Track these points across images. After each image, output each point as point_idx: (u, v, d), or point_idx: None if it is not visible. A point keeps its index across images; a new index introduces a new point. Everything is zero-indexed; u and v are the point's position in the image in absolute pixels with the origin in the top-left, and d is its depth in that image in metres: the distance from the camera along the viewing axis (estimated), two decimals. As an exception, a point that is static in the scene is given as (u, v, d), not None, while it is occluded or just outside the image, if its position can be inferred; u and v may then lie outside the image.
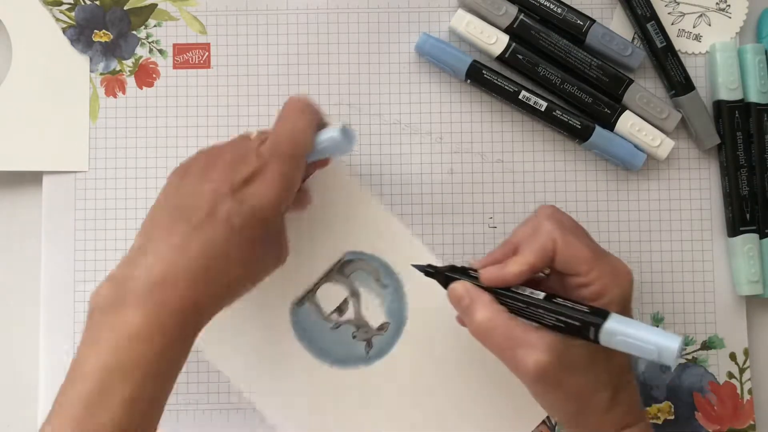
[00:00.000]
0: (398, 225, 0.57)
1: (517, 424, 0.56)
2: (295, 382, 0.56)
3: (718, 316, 0.57)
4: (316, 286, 0.57)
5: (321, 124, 0.50)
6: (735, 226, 0.57)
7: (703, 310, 0.58)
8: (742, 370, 0.57)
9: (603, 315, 0.45)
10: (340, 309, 0.57)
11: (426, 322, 0.56)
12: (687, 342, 0.57)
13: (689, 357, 0.57)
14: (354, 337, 0.57)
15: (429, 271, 0.51)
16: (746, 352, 0.57)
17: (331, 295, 0.57)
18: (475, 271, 0.49)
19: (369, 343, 0.57)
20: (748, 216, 0.57)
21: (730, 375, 0.57)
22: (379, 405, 0.56)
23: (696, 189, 0.58)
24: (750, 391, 0.57)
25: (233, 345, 0.56)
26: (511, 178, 0.58)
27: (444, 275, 0.50)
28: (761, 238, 0.57)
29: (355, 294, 0.57)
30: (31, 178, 0.58)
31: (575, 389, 0.46)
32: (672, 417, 0.57)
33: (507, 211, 0.58)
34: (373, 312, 0.57)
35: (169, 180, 0.49)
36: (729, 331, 0.57)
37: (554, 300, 0.46)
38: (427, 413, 0.56)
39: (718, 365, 0.57)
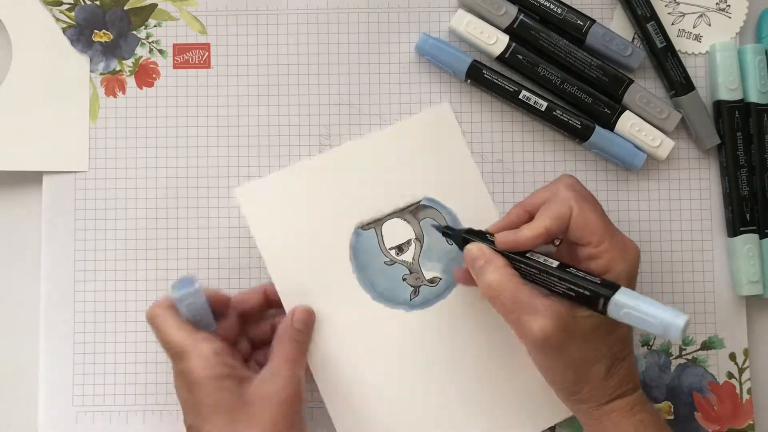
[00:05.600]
0: (484, 191, 0.57)
1: (522, 425, 0.56)
2: (333, 302, 0.55)
3: (718, 316, 0.57)
4: (386, 217, 0.56)
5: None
6: (735, 226, 0.57)
7: (703, 310, 0.58)
8: (741, 370, 0.57)
9: (613, 288, 0.46)
10: (400, 248, 0.56)
11: (473, 292, 0.54)
12: (687, 342, 0.58)
13: (689, 357, 0.57)
14: (404, 279, 0.56)
15: (447, 232, 0.54)
16: (746, 352, 0.57)
17: (397, 231, 0.56)
18: (492, 235, 0.50)
19: (416, 291, 0.56)
20: (748, 216, 0.57)
21: (730, 375, 0.57)
22: (402, 352, 0.55)
23: (696, 189, 0.58)
24: (749, 391, 0.57)
25: (289, 246, 0.55)
26: (511, 178, 0.58)
27: (461, 237, 0.52)
28: (761, 238, 0.57)
29: (419, 239, 0.56)
30: (31, 178, 0.58)
31: (576, 358, 0.47)
32: (672, 417, 0.57)
33: (507, 211, 0.58)
34: (430, 263, 0.57)
35: None
36: (729, 331, 0.57)
37: (567, 269, 0.47)
38: (442, 382, 0.55)
39: (718, 365, 0.57)
